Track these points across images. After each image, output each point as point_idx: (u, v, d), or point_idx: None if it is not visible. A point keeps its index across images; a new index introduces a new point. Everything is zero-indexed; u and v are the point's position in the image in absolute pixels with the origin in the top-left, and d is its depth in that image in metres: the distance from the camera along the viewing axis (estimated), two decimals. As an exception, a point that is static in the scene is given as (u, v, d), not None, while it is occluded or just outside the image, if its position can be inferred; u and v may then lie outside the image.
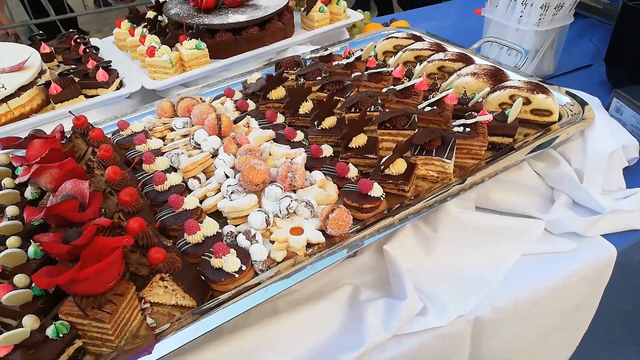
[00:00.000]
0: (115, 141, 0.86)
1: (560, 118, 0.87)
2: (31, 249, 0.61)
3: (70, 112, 0.79)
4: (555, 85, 1.06)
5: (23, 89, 0.96)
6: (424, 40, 1.05)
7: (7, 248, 0.62)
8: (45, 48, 1.13)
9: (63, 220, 0.61)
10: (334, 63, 0.98)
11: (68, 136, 0.82)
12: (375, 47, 1.06)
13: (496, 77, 0.91)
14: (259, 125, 0.86)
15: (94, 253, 0.54)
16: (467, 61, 0.96)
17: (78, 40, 1.14)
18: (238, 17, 1.14)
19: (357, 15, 1.31)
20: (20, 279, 0.56)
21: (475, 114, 0.78)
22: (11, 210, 0.67)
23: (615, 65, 1.16)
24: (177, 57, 1.07)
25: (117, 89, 1.03)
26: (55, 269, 0.52)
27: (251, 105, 0.93)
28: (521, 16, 1.12)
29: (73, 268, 0.50)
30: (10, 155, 0.79)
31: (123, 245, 0.54)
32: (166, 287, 0.59)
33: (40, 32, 1.18)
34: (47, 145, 0.71)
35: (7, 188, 0.72)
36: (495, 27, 1.21)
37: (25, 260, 0.61)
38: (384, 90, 0.86)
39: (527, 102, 0.84)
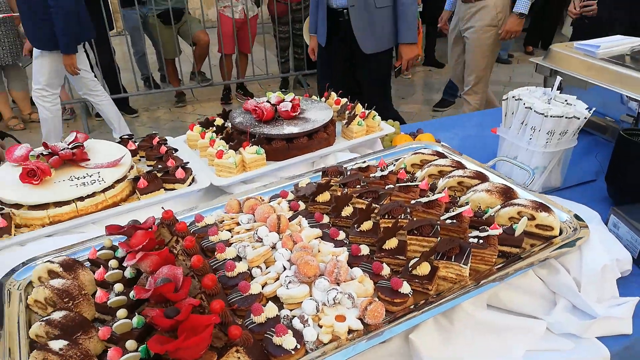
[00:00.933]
0: (192, 231, 1.06)
1: (561, 232, 1.03)
2: (135, 320, 0.79)
3: (162, 207, 0.99)
4: (562, 198, 1.24)
5: (117, 181, 1.18)
6: (446, 157, 1.26)
7: (116, 318, 0.79)
8: (132, 145, 1.38)
9: (161, 298, 0.79)
10: (371, 175, 1.18)
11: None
12: (405, 161, 1.27)
13: (507, 195, 1.09)
14: (309, 224, 1.05)
15: (189, 327, 0.71)
16: (483, 178, 1.16)
17: (160, 141, 1.38)
18: (291, 129, 1.38)
19: (389, 128, 1.54)
20: (130, 344, 0.73)
21: (488, 227, 0.95)
22: (118, 287, 0.86)
23: (614, 185, 1.33)
24: (240, 160, 1.30)
25: (190, 184, 1.25)
26: (164, 338, 0.69)
27: (302, 205, 1.13)
28: (530, 139, 1.33)
29: (180, 338, 0.67)
30: (112, 240, 0.99)
31: (212, 322, 0.72)
32: (239, 358, 0.75)
33: (130, 133, 1.43)
34: (147, 236, 0.90)
35: (114, 269, 0.91)
36: (509, 144, 1.41)
37: (130, 329, 0.78)
38: (413, 202, 1.05)
39: (532, 218, 1.02)
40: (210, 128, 1.46)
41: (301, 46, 5.41)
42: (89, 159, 1.23)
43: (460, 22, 3.29)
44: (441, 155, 1.27)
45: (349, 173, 1.21)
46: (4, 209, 1.07)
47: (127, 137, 1.40)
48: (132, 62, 5.11)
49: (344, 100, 1.64)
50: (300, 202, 1.13)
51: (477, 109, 3.35)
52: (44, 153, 1.19)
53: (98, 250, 0.96)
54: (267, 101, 1.45)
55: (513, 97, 1.38)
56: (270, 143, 1.36)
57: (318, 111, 1.50)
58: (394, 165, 1.24)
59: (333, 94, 1.69)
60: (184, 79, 5.40)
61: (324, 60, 2.68)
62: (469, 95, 3.42)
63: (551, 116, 1.26)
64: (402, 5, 2.41)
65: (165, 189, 1.22)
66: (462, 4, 3.22)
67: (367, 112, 1.53)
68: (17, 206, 1.09)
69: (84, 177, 1.16)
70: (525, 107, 1.32)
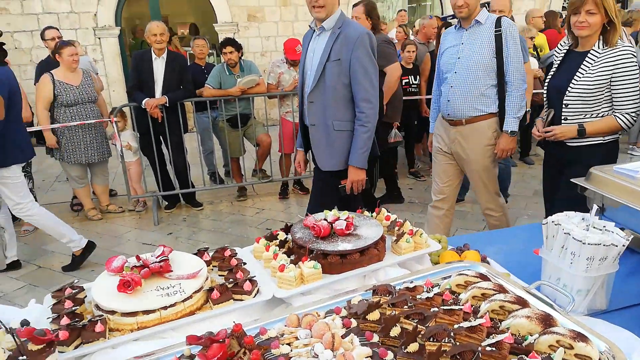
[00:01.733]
0: (257, 343, 1.20)
1: (600, 362, 1.08)
2: None
3: (234, 321, 1.15)
4: (608, 321, 1.29)
5: (195, 292, 1.36)
6: (489, 280, 1.36)
7: None
8: (207, 256, 1.58)
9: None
10: (418, 296, 1.30)
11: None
12: (450, 282, 1.38)
13: (546, 322, 1.17)
14: (360, 342, 1.17)
15: None
16: (524, 304, 1.24)
17: (231, 254, 1.58)
18: (345, 246, 1.54)
19: (435, 245, 1.67)
20: None
21: (526, 357, 1.03)
22: (195, 395, 1.00)
23: (660, 311, 1.36)
24: (299, 273, 1.46)
25: (255, 295, 1.41)
26: None
27: (353, 322, 1.25)
28: (571, 263, 1.41)
29: None
30: (190, 349, 1.14)
31: None
32: None
33: (207, 247, 1.64)
34: (221, 348, 1.06)
35: (191, 376, 1.06)
36: (552, 264, 1.49)
37: None
38: (456, 326, 1.15)
39: (570, 347, 1.08)
40: (274, 241, 1.65)
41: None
42: (172, 271, 1.43)
43: (452, 144, 3.21)
44: (484, 278, 1.37)
45: (397, 292, 1.33)
46: (102, 315, 1.27)
47: (203, 249, 1.61)
48: (200, 159, 5.60)
49: (393, 217, 1.79)
50: (352, 320, 1.26)
51: (503, 217, 3.32)
52: (137, 265, 1.41)
53: (179, 358, 1.11)
54: (325, 219, 1.64)
55: (552, 222, 1.49)
56: (326, 258, 1.52)
57: (369, 228, 1.66)
58: (439, 286, 1.36)
59: (383, 210, 1.86)
60: (246, 174, 5.82)
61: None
62: (489, 214, 3.34)
63: (589, 244, 1.35)
64: (356, 132, 2.66)
65: (234, 299, 1.39)
66: (450, 126, 3.17)
67: (414, 229, 1.68)
68: (112, 312, 1.28)
69: (168, 288, 1.36)
70: (564, 233, 1.42)
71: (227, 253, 1.60)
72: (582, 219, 1.49)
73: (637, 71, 2.45)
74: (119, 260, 1.43)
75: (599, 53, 2.47)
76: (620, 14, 2.66)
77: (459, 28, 3.06)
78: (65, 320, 1.25)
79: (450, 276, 1.41)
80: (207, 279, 1.45)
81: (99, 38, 8.44)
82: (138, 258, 1.43)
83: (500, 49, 2.90)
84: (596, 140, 2.57)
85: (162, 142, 5.24)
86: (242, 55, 5.48)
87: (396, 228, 1.71)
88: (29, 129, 4.54)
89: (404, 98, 5.21)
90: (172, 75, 4.93)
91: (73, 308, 1.32)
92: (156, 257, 1.44)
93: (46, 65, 5.28)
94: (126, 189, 5.29)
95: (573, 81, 2.53)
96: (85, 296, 1.41)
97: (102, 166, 5.23)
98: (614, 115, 2.51)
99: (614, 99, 2.50)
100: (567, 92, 2.55)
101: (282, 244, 1.64)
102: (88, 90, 4.89)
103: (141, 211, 5.41)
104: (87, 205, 5.26)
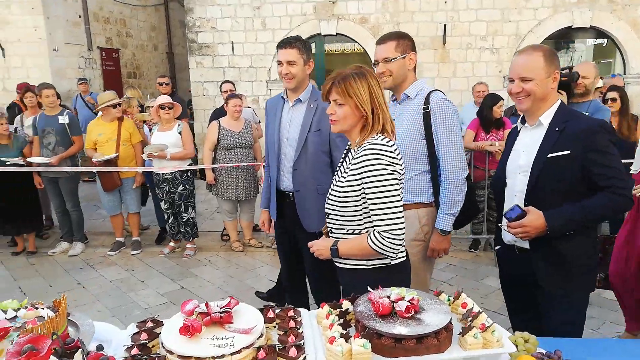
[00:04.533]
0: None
1: None
2: None
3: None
4: None
5: (244, 347, 1.45)
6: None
7: None
8: (271, 313, 1.66)
9: None
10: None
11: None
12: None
13: None
14: None
15: None
16: None
17: (293, 316, 1.64)
18: (401, 329, 1.48)
19: (509, 347, 1.49)
20: None
21: None
22: None
23: None
24: (348, 349, 1.44)
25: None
26: None
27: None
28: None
29: None
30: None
31: None
32: None
33: (273, 304, 1.73)
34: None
35: None
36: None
37: None
38: None
39: None
40: (336, 310, 1.66)
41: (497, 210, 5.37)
42: (233, 322, 1.54)
43: None
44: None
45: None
46: (162, 354, 1.43)
47: (270, 306, 1.70)
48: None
49: (471, 305, 1.66)
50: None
51: None
52: (203, 312, 1.56)
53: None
54: (388, 296, 1.60)
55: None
56: (380, 338, 1.48)
57: (436, 314, 1.56)
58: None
59: (464, 295, 1.73)
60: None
61: (278, 230, 3.10)
62: None
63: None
64: None
65: (278, 362, 1.43)
66: None
67: (488, 324, 1.53)
68: (171, 352, 1.44)
69: (222, 339, 1.47)
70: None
71: (290, 313, 1.66)
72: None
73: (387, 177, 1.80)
74: (191, 304, 1.60)
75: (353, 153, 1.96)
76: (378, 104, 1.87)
77: (394, 100, 2.65)
78: (134, 351, 1.45)
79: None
80: (262, 336, 1.53)
81: (270, 89, 9.50)
82: (207, 305, 1.58)
83: (430, 130, 2.42)
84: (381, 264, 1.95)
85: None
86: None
87: (469, 318, 1.58)
88: (192, 167, 5.31)
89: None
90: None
91: (146, 341, 1.51)
92: (220, 307, 1.57)
93: (219, 113, 6.14)
94: (267, 227, 5.74)
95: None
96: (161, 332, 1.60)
97: (249, 203, 5.80)
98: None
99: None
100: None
101: (343, 314, 1.64)
102: (246, 137, 5.53)
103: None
104: (232, 237, 5.85)
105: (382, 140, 1.83)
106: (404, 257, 2.01)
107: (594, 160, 1.94)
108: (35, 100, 5.84)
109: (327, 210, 2.00)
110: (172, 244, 5.70)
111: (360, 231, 1.92)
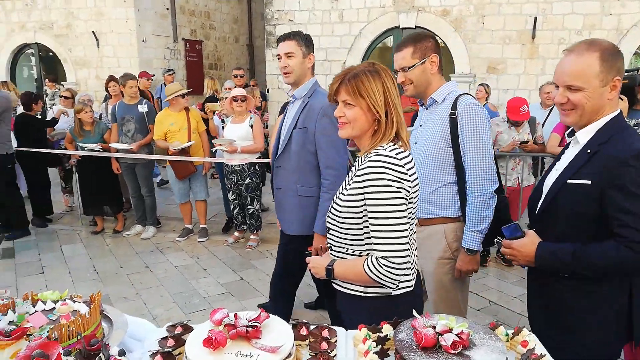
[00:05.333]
0: None
1: None
2: None
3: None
4: None
5: (269, 367, 1.34)
6: None
7: None
8: (305, 331, 1.54)
9: None
10: None
11: None
12: None
13: None
14: None
15: None
16: None
17: (327, 337, 1.50)
18: (444, 368, 1.29)
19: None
20: None
21: None
22: None
23: None
24: (381, 383, 1.28)
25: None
26: None
27: None
28: None
29: None
30: None
31: None
32: None
33: (298, 320, 1.61)
34: None
35: None
36: None
37: None
38: None
39: None
40: (375, 334, 1.50)
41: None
42: (260, 338, 1.44)
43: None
44: None
45: None
46: (184, 364, 1.36)
47: (304, 322, 1.58)
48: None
49: (532, 345, 1.43)
50: None
51: None
52: (231, 323, 1.47)
53: None
54: (432, 326, 1.41)
55: None
56: (419, 375, 1.30)
57: (489, 353, 1.35)
58: None
59: (525, 330, 1.50)
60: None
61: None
62: None
63: None
64: (320, 198, 2.69)
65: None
66: None
67: (551, 371, 1.29)
68: (192, 363, 1.36)
69: (247, 356, 1.37)
70: None
71: (325, 333, 1.53)
72: None
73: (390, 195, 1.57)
74: (221, 313, 1.51)
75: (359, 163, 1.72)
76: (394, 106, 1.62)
77: (422, 105, 2.43)
78: (158, 358, 1.39)
79: None
80: (290, 356, 1.41)
81: (344, 82, 9.37)
82: (236, 316, 1.49)
83: (456, 137, 2.20)
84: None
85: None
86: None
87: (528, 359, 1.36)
88: (260, 160, 5.31)
89: None
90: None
91: (172, 348, 1.45)
92: (249, 320, 1.47)
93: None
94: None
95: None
96: (188, 338, 1.54)
97: (313, 199, 5.72)
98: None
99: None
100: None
101: (381, 340, 1.48)
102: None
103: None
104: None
105: (391, 150, 1.60)
106: (409, 287, 1.72)
107: (612, 199, 1.55)
108: (118, 89, 6.15)
109: (327, 224, 1.77)
110: (236, 234, 5.78)
111: (360, 252, 1.69)
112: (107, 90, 6.60)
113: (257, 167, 5.45)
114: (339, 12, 9.27)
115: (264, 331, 1.47)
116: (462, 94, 2.24)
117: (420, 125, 2.40)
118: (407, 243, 1.58)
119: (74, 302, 1.64)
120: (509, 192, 4.80)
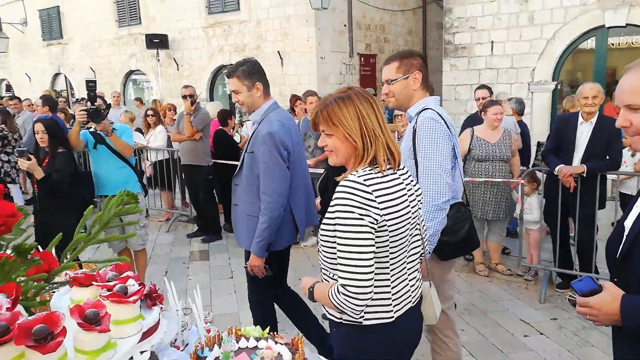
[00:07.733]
0: None
1: None
2: None
3: None
4: None
5: None
6: None
7: None
8: None
9: None
10: None
11: None
12: None
13: None
14: None
15: None
16: None
17: None
18: None
19: None
20: None
21: None
22: None
23: None
24: None
25: None
26: None
27: None
28: None
29: None
30: None
31: None
32: None
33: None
34: None
35: None
36: None
37: None
38: None
39: None
40: None
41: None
42: None
43: None
44: None
45: None
46: None
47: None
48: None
49: None
50: None
51: None
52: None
53: None
54: None
55: None
56: None
57: None
58: None
59: None
60: None
61: None
62: None
63: None
64: (259, 221, 2.74)
65: None
66: None
67: None
68: None
69: None
70: None
71: None
72: None
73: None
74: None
75: None
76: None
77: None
78: None
79: None
80: None
81: (532, 92, 8.41)
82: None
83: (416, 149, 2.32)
84: None
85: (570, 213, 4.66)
86: None
87: None
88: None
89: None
90: (597, 142, 4.29)
91: None
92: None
93: (472, 120, 5.64)
94: (518, 252, 5.01)
95: None
96: None
97: (499, 224, 5.14)
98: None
99: None
100: None
101: None
102: (503, 149, 4.89)
103: (530, 281, 4.99)
104: (477, 258, 5.29)
105: (359, 176, 1.57)
106: (387, 319, 1.63)
107: None
108: (303, 107, 6.40)
109: (319, 245, 1.73)
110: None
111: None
112: (292, 109, 6.93)
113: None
114: (529, 14, 8.35)
115: None
116: (425, 109, 2.34)
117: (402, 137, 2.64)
118: (369, 273, 1.53)
119: (275, 342, 1.54)
120: None
